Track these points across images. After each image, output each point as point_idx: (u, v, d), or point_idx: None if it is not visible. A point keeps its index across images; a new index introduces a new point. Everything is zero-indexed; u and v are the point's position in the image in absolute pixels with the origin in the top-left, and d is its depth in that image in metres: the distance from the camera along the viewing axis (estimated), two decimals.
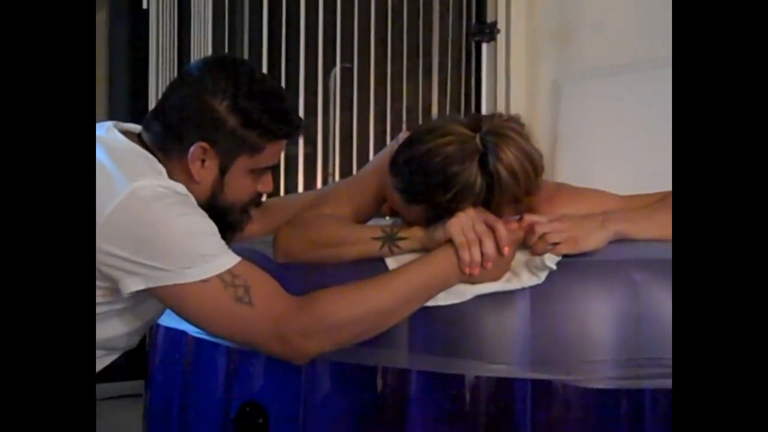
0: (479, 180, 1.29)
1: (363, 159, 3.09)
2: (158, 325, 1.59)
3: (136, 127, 1.40)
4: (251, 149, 1.35)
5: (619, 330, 1.28)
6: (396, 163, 1.36)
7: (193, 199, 1.31)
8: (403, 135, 1.41)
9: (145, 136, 1.37)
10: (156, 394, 1.64)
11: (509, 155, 1.29)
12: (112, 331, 1.35)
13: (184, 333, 1.52)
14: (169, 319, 1.50)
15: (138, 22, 2.83)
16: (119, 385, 2.47)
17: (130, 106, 2.91)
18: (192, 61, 2.78)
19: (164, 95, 1.40)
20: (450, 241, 1.28)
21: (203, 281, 1.23)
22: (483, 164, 1.29)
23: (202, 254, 1.24)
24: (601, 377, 1.27)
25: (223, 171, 1.35)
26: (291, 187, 3.00)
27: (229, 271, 1.25)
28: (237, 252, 1.29)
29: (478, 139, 1.30)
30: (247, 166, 1.36)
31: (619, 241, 1.34)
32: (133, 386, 2.17)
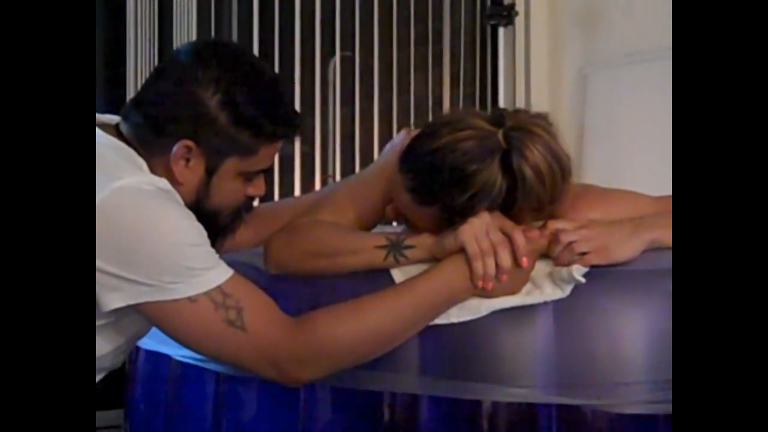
0: (500, 180, 1.30)
1: (366, 159, 3.09)
2: (138, 349, 1.60)
3: (112, 118, 1.40)
4: (243, 151, 1.34)
5: (655, 348, 1.28)
6: (407, 159, 1.36)
7: (179, 197, 1.30)
8: (410, 130, 1.42)
9: (124, 128, 1.36)
10: (136, 425, 1.65)
11: (536, 154, 1.29)
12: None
13: (167, 357, 1.52)
14: (150, 342, 1.51)
15: (114, 3, 2.84)
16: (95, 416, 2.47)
17: (105, 95, 2.91)
18: (174, 47, 2.80)
19: (148, 82, 1.39)
20: (462, 250, 1.28)
21: (192, 300, 1.24)
22: (505, 163, 1.30)
23: (190, 267, 1.24)
24: (635, 401, 1.27)
25: (209, 173, 1.35)
26: (286, 190, 3.00)
27: (220, 289, 1.25)
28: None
29: (501, 135, 1.31)
30: (237, 169, 1.36)
31: (654, 249, 1.34)
32: (111, 416, 2.18)
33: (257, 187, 1.41)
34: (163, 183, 1.28)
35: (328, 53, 3.10)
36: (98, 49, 2.89)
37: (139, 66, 2.80)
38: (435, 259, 1.32)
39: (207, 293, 1.24)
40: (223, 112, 1.31)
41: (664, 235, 1.34)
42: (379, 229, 1.52)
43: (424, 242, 1.34)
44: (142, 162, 1.32)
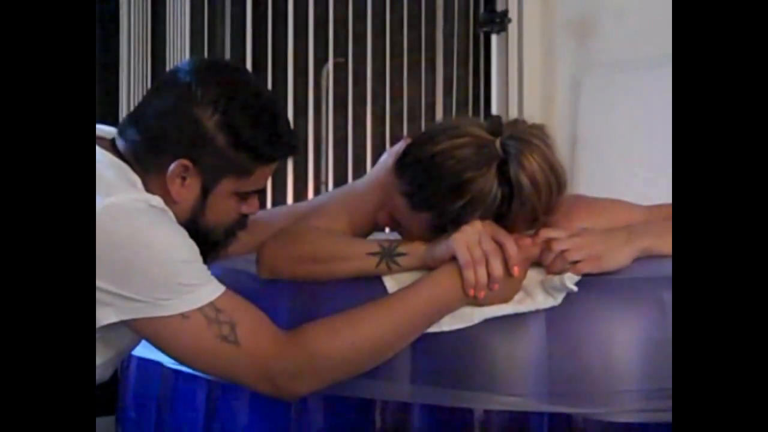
0: (496, 189, 1.30)
1: (359, 165, 3.10)
2: (130, 356, 1.59)
3: (109, 131, 1.39)
4: (239, 171, 1.34)
5: (647, 356, 1.28)
6: (403, 163, 1.36)
7: (171, 214, 1.30)
8: (409, 139, 1.42)
9: (120, 143, 1.36)
10: None
11: (533, 164, 1.30)
12: None
13: (159, 364, 1.52)
14: (143, 350, 1.51)
15: (107, 11, 2.83)
16: None
17: (99, 106, 2.91)
18: (167, 56, 2.80)
19: (146, 99, 1.39)
20: (453, 259, 1.28)
21: (184, 316, 1.24)
22: (502, 172, 1.30)
23: (182, 283, 1.24)
24: (628, 410, 1.27)
25: (205, 192, 1.34)
26: (279, 197, 3.00)
27: (213, 305, 1.25)
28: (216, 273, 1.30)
29: (498, 144, 1.31)
30: (233, 189, 1.36)
31: (646, 257, 1.35)
32: (103, 423, 2.18)
33: (251, 206, 1.41)
34: (156, 200, 1.28)
35: (321, 59, 3.10)
36: None
37: (132, 77, 2.80)
38: (427, 267, 1.32)
39: (200, 309, 1.24)
40: (221, 133, 1.31)
41: (656, 243, 1.35)
42: (373, 236, 1.52)
43: (416, 250, 1.34)
44: (136, 178, 1.32)
